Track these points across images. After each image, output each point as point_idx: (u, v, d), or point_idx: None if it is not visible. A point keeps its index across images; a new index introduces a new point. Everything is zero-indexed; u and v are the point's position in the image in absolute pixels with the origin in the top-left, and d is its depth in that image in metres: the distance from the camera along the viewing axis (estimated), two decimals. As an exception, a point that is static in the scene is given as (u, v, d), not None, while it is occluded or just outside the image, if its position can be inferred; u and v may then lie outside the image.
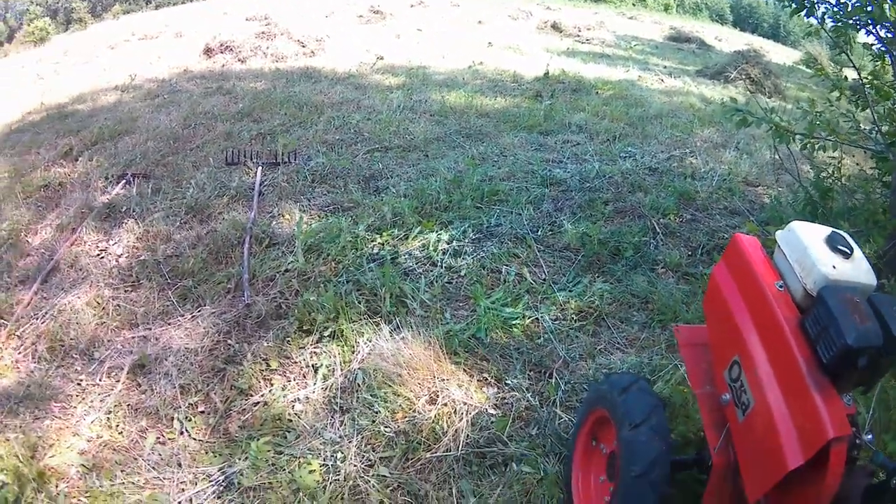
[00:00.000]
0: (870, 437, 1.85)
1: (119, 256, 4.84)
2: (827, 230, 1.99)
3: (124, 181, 6.17)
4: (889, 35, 3.83)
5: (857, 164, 5.45)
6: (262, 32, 13.99)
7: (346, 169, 6.28)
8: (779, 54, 29.07)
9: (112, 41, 21.54)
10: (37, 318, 4.12)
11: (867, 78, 4.27)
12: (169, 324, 3.99)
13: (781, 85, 14.55)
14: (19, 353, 3.83)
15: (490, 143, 7.34)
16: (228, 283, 4.32)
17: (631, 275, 4.53)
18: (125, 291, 4.38)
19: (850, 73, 4.50)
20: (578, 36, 21.34)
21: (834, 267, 1.90)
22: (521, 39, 18.67)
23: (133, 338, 3.90)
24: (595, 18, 29.78)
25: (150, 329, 3.95)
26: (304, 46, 13.82)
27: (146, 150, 7.13)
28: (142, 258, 4.74)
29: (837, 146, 4.47)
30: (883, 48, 4.11)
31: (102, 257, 4.89)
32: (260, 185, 5.91)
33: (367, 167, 6.34)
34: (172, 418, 3.27)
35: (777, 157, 5.16)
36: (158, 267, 4.59)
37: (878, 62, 4.34)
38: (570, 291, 4.29)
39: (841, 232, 1.99)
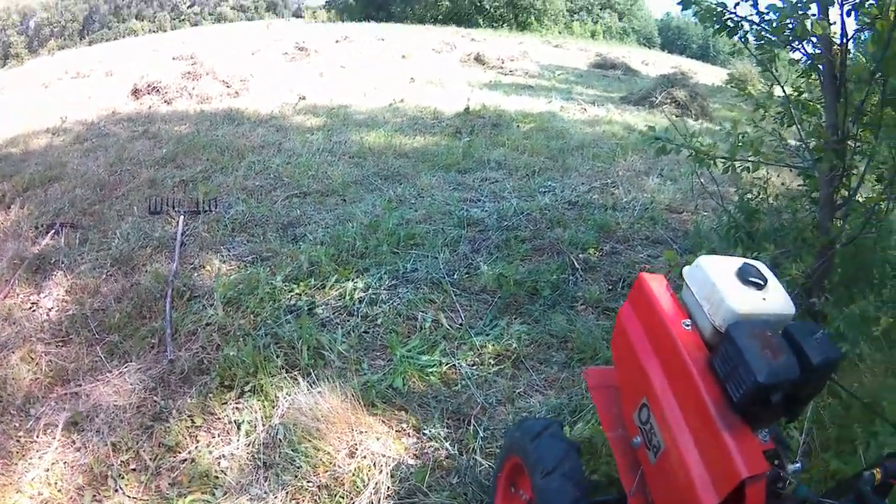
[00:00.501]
0: (797, 465, 1.86)
1: (49, 310, 4.78)
2: (738, 262, 1.97)
3: (53, 231, 6.08)
4: (816, 51, 3.92)
5: (783, 182, 5.53)
6: (189, 73, 13.92)
7: (265, 216, 6.28)
8: (707, 75, 29.64)
9: (45, 79, 21.13)
10: (-29, 373, 4.05)
11: (793, 94, 4.36)
12: (98, 380, 3.95)
13: (708, 106, 14.89)
14: None
15: (408, 184, 7.39)
16: (152, 339, 4.29)
17: (549, 314, 4.58)
18: (56, 346, 4.32)
19: (779, 91, 4.52)
20: (502, 67, 21.54)
21: (744, 301, 1.86)
22: (443, 73, 18.85)
23: (66, 394, 3.86)
24: (519, 48, 29.77)
25: (81, 385, 3.91)
26: (228, 87, 13.73)
27: (74, 197, 7.03)
28: (70, 312, 4.68)
29: (762, 166, 4.46)
30: (810, 63, 4.12)
31: (34, 311, 4.81)
32: (181, 234, 5.88)
33: (285, 214, 6.35)
34: (107, 476, 3.24)
35: (701, 181, 5.21)
36: (86, 321, 4.54)
37: (805, 77, 4.41)
38: (487, 335, 4.32)
39: (753, 263, 1.98)
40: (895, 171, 3.65)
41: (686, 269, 2.07)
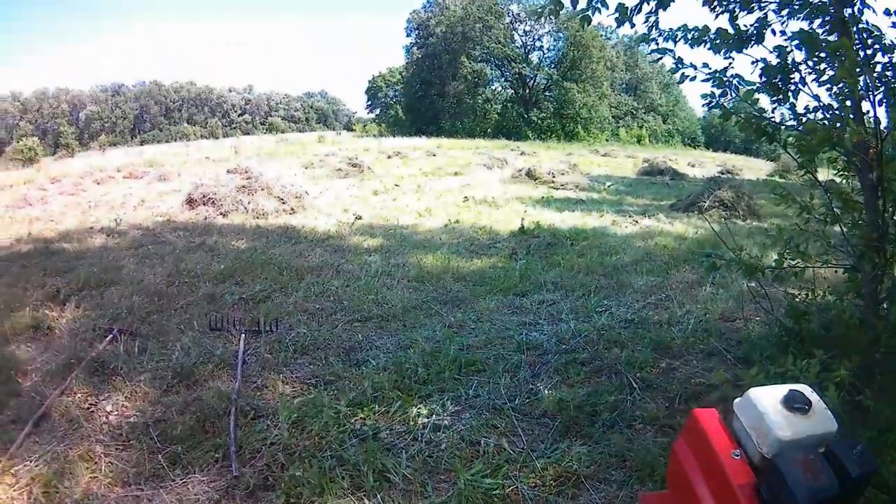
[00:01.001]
0: None
1: (109, 413, 4.99)
2: (784, 389, 2.11)
3: (111, 336, 6.37)
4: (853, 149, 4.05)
5: (827, 279, 5.55)
6: (243, 186, 14.53)
7: (327, 340, 6.47)
8: (752, 170, 30.03)
9: (98, 175, 22.19)
10: (30, 461, 4.28)
11: (834, 191, 4.42)
12: (161, 487, 4.10)
13: (755, 205, 15.38)
14: (15, 490, 3.97)
15: (467, 308, 7.56)
16: (216, 453, 4.44)
17: (608, 434, 4.65)
18: (116, 449, 4.50)
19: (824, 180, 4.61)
20: (553, 182, 22.03)
21: (789, 429, 2.00)
22: (496, 191, 19.49)
23: (126, 496, 4.00)
24: (568, 160, 30.51)
25: (143, 490, 4.06)
26: (284, 203, 14.30)
27: (132, 304, 7.37)
28: (131, 419, 4.88)
29: (809, 270, 4.60)
30: (847, 161, 4.30)
31: (92, 412, 5.03)
32: (243, 353, 6.09)
33: (347, 338, 6.53)
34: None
35: (749, 288, 5.35)
36: (148, 429, 4.72)
37: (843, 175, 4.59)
38: (548, 458, 4.39)
39: (799, 388, 2.11)
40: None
41: (736, 402, 2.23)
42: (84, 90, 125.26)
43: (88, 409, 5.09)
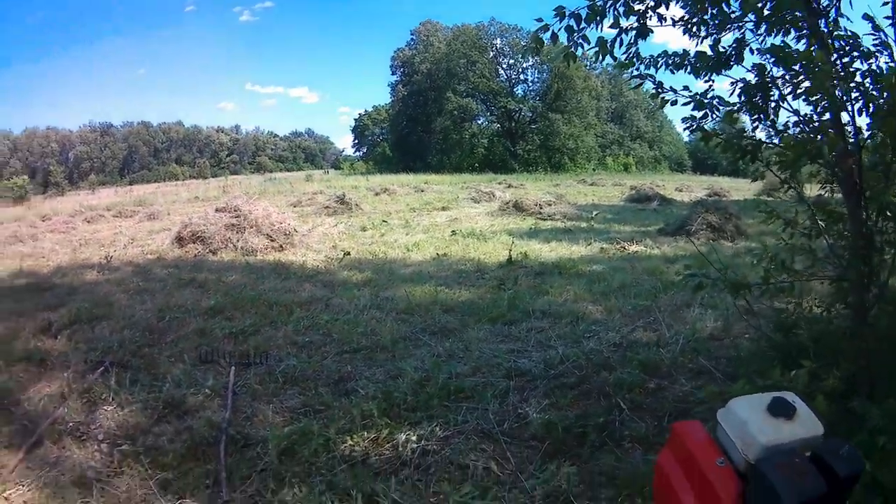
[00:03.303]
0: None
1: (101, 442, 5.04)
2: (767, 398, 2.12)
3: (102, 367, 6.46)
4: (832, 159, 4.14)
5: (814, 290, 5.45)
6: (232, 224, 14.66)
7: (316, 371, 6.52)
8: (740, 190, 30.19)
9: (88, 214, 22.26)
10: (23, 486, 4.35)
11: (818, 204, 4.53)
12: (152, 512, 4.17)
13: (743, 225, 15.60)
14: None
15: (455, 338, 7.59)
16: (207, 479, 4.49)
17: (597, 454, 4.69)
18: (108, 476, 4.55)
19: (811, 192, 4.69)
20: (540, 213, 22.09)
21: (773, 434, 2.02)
22: (483, 224, 19.71)
23: None
24: (555, 191, 30.83)
25: None
26: (272, 240, 14.42)
27: (123, 338, 7.48)
28: (123, 448, 4.91)
29: (796, 286, 4.61)
30: (829, 173, 4.37)
31: (84, 440, 5.09)
32: (233, 385, 6.15)
33: (336, 370, 6.57)
34: None
35: (737, 307, 5.35)
36: (139, 457, 4.76)
37: (825, 188, 4.61)
38: (537, 478, 4.41)
39: (783, 395, 2.13)
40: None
41: (719, 412, 2.25)
42: (73, 129, 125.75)
43: (80, 437, 5.15)
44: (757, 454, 2.04)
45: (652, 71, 4.96)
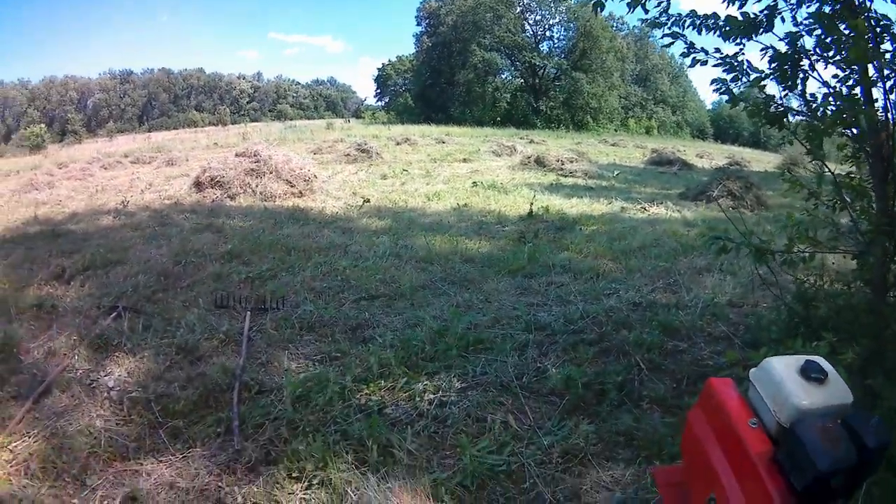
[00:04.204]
0: None
1: (111, 389, 4.94)
2: (801, 360, 2.01)
3: (115, 313, 6.35)
4: (860, 131, 4.06)
5: (836, 266, 5.36)
6: (252, 170, 14.49)
7: (334, 318, 6.43)
8: (761, 162, 30.07)
9: (105, 161, 22.23)
10: (28, 437, 4.25)
11: (844, 179, 4.42)
12: (160, 461, 4.06)
13: (763, 195, 15.37)
14: (11, 466, 3.93)
15: (475, 289, 7.52)
16: (218, 427, 4.40)
17: (616, 413, 4.61)
18: (116, 424, 4.47)
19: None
20: (562, 169, 21.90)
21: (806, 397, 1.92)
22: (505, 177, 19.49)
23: (125, 470, 3.97)
24: (577, 149, 30.63)
25: (142, 464, 4.02)
26: (292, 186, 14.26)
27: (137, 283, 7.36)
28: (132, 394, 4.83)
29: (818, 258, 4.54)
30: (857, 147, 4.27)
31: (94, 387, 5.00)
32: (249, 330, 6.06)
33: (353, 316, 6.48)
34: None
35: (759, 274, 5.26)
36: (149, 404, 4.68)
37: (853, 161, 4.49)
38: (554, 435, 4.35)
39: (815, 359, 2.01)
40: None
41: (752, 371, 2.12)
42: (92, 77, 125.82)
43: (90, 384, 5.06)
44: (791, 417, 1.92)
45: (682, 32, 4.82)
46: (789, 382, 1.97)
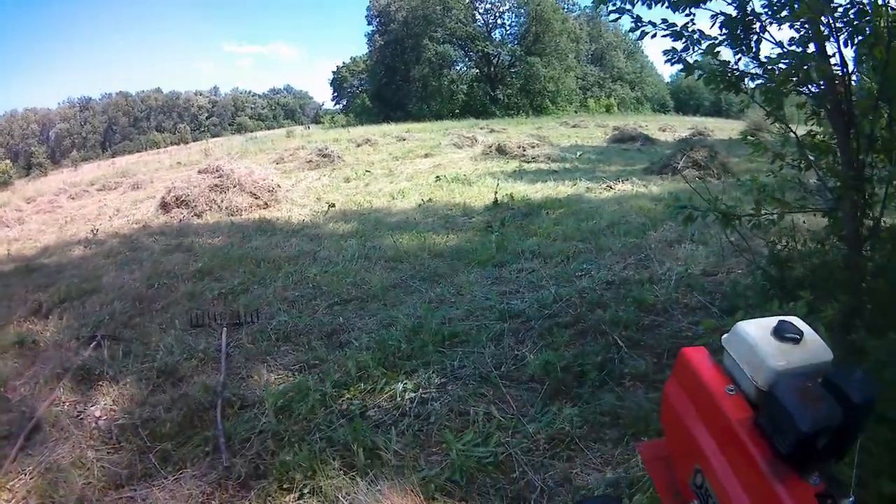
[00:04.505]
0: (851, 499, 1.95)
1: (98, 419, 4.99)
2: (773, 321, 1.97)
3: (95, 342, 6.39)
4: (821, 89, 4.02)
5: (808, 225, 5.35)
6: (216, 185, 14.47)
7: (309, 326, 6.47)
8: (724, 130, 30.21)
9: (73, 191, 22.23)
10: (24, 474, 4.29)
11: (806, 137, 4.42)
12: (153, 485, 4.09)
13: (729, 163, 15.48)
14: None
15: (446, 283, 7.57)
16: (206, 447, 4.44)
17: (598, 394, 4.64)
18: (107, 453, 4.50)
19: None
20: (524, 155, 21.91)
21: (783, 358, 1.87)
22: (467, 168, 19.53)
23: (120, 498, 4.01)
24: (538, 134, 30.80)
25: (136, 490, 4.05)
26: (257, 198, 14.26)
27: (113, 310, 7.38)
28: (119, 421, 4.88)
29: (787, 216, 4.55)
30: (816, 104, 4.25)
31: (81, 419, 5.04)
32: (226, 347, 6.11)
33: (328, 322, 6.53)
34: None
35: (731, 241, 5.26)
36: (137, 430, 4.72)
37: (814, 118, 4.47)
38: (539, 422, 4.38)
39: (788, 318, 1.97)
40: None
41: (724, 337, 2.08)
42: (52, 108, 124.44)
43: (77, 416, 5.11)
44: (769, 379, 1.89)
45: (629, 6, 4.82)
46: (763, 345, 1.94)
